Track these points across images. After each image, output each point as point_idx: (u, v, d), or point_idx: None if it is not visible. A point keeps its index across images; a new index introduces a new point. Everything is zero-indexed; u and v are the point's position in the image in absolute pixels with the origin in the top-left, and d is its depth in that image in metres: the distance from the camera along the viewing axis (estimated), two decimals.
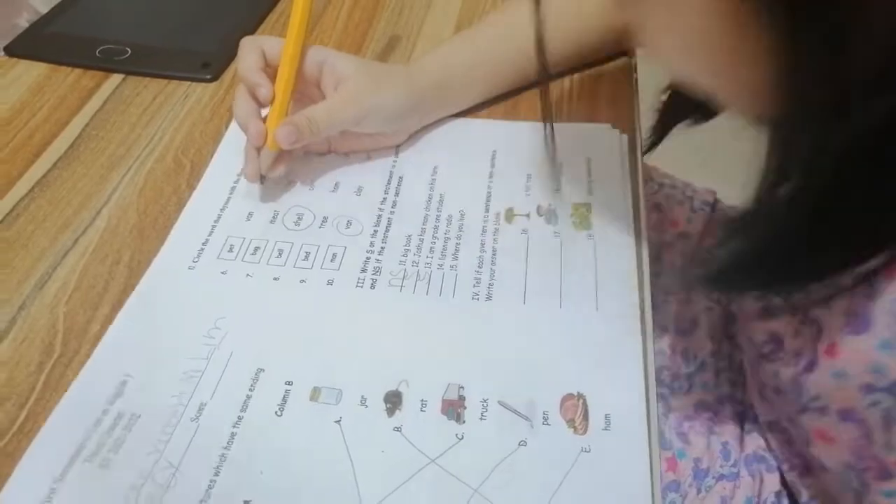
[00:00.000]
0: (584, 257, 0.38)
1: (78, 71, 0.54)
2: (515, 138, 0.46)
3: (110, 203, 0.43)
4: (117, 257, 0.40)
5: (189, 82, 0.52)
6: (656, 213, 0.55)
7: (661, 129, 0.39)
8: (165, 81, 0.53)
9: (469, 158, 0.45)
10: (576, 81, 0.51)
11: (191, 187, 0.44)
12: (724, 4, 0.20)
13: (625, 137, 0.46)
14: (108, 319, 0.36)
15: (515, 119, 0.48)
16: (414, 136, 0.47)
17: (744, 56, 0.21)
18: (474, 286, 0.38)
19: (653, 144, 0.41)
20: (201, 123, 0.49)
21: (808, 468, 0.38)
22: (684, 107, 0.36)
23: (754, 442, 0.43)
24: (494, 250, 0.39)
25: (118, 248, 0.41)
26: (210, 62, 0.54)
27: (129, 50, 0.54)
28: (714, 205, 0.56)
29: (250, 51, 0.42)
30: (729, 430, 0.43)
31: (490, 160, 0.45)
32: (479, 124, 0.47)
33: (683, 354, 0.47)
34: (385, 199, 0.43)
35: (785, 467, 0.40)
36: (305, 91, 0.43)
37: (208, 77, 0.53)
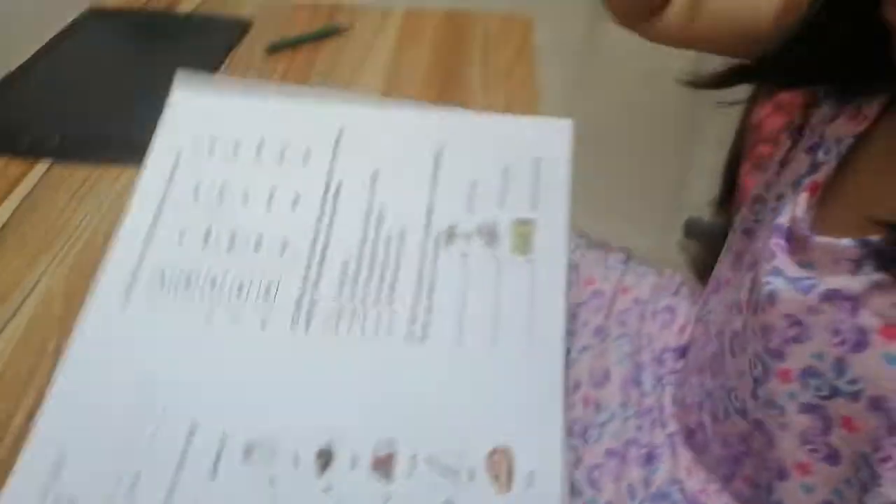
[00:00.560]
0: (519, 289, 0.38)
1: (4, 160, 0.54)
2: (463, 134, 0.45)
3: (36, 291, 0.43)
4: (42, 346, 0.40)
5: (120, 166, 0.53)
6: (574, 272, 0.56)
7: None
8: (94, 167, 0.53)
9: (413, 159, 0.44)
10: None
11: None
12: None
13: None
14: (33, 410, 0.36)
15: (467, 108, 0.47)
16: (355, 129, 0.45)
17: None
18: (410, 324, 0.37)
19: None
20: None
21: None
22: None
23: (661, 478, 0.44)
24: (432, 281, 0.39)
25: (43, 337, 0.40)
26: (139, 146, 0.54)
27: (57, 137, 0.55)
28: (627, 261, 0.58)
29: None
30: (636, 473, 0.44)
31: (434, 161, 0.44)
32: (426, 116, 0.46)
33: (596, 406, 0.48)
34: (322, 215, 0.42)
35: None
36: None
37: (137, 159, 0.53)
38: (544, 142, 0.44)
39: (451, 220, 0.41)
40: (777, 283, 0.36)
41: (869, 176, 0.35)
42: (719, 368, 0.43)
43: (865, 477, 0.33)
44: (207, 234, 0.41)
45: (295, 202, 0.42)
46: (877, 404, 0.31)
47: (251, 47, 0.69)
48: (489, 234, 0.40)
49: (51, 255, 0.46)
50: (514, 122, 0.45)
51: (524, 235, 0.40)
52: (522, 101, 0.61)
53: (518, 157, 0.43)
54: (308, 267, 0.40)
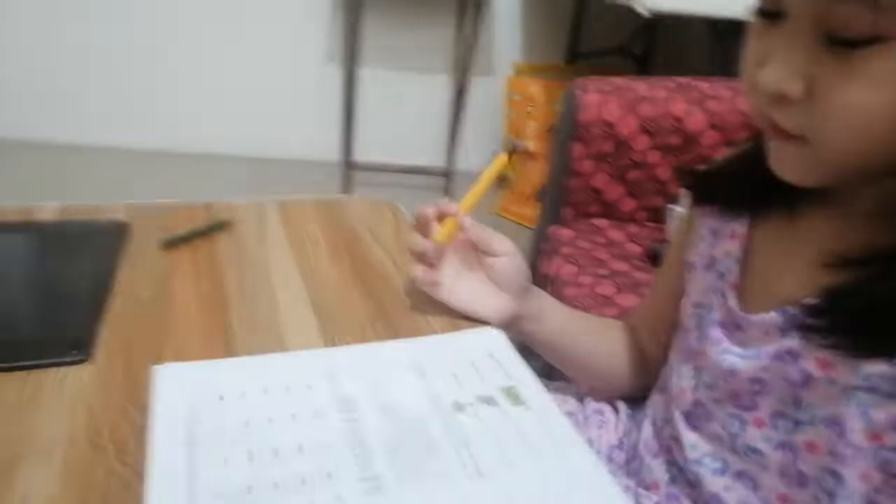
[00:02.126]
0: (534, 427, 0.46)
1: None
2: (429, 348, 0.54)
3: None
4: None
5: (60, 368, 0.49)
6: None
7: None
8: (28, 373, 0.49)
9: (399, 372, 0.51)
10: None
11: (130, 465, 0.41)
12: None
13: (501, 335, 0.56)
14: None
15: (411, 336, 0.56)
16: (342, 363, 0.51)
17: None
18: (463, 468, 0.42)
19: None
20: (99, 404, 0.46)
21: None
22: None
23: None
24: (465, 439, 0.44)
25: None
26: (79, 342, 0.51)
27: None
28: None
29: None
30: None
31: (416, 368, 0.51)
32: (397, 345, 0.55)
33: None
34: (345, 418, 0.45)
35: None
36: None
37: (81, 358, 0.50)
38: (489, 342, 0.56)
39: (453, 397, 0.48)
40: (732, 360, 0.48)
41: (762, 269, 0.50)
42: (679, 446, 0.52)
43: (830, 486, 0.44)
44: (250, 455, 0.42)
45: (316, 416, 0.46)
46: (829, 420, 0.43)
47: (141, 246, 0.69)
48: (487, 400, 0.48)
49: (27, 467, 0.41)
50: (463, 335, 0.57)
51: (514, 395, 0.49)
52: None
53: (477, 354, 0.54)
54: (355, 453, 0.43)
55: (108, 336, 0.54)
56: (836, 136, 0.39)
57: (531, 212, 2.36)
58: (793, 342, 0.45)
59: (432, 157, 2.65)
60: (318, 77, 2.62)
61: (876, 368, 0.40)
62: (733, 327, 0.49)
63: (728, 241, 0.52)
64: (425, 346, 0.54)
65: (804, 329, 0.43)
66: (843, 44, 0.37)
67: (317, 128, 2.69)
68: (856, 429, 0.42)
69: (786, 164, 0.43)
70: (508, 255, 0.57)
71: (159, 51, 2.51)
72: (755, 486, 0.48)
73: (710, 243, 0.54)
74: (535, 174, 2.37)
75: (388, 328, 0.58)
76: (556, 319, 0.61)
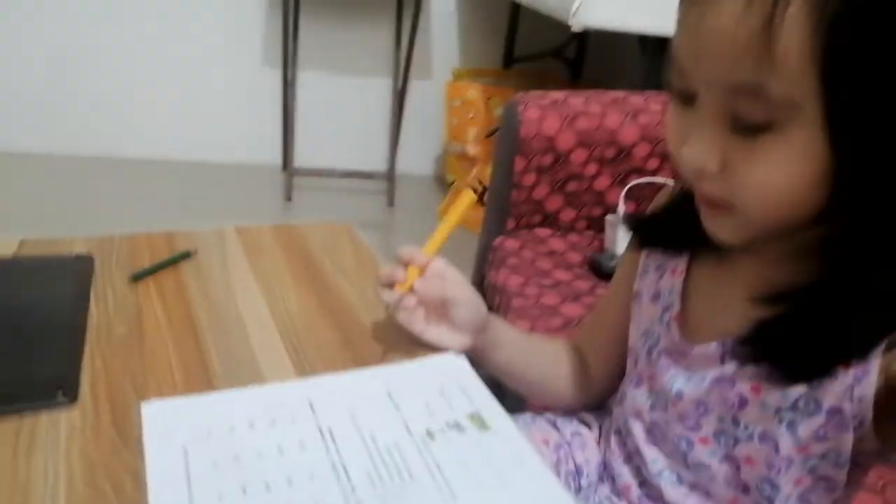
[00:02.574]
0: (501, 449, 0.51)
1: None
2: (401, 376, 0.58)
3: None
4: None
5: (48, 411, 0.51)
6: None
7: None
8: (21, 418, 0.51)
9: (374, 401, 0.55)
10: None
11: None
12: (817, 161, 0.40)
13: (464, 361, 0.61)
14: None
15: (376, 365, 0.60)
16: (320, 394, 0.55)
17: (814, 190, 0.41)
18: (438, 492, 0.46)
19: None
20: (91, 446, 0.49)
21: None
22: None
23: None
24: (438, 464, 0.49)
25: None
26: (62, 384, 0.53)
27: None
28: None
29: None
30: None
31: (389, 397, 0.55)
32: (369, 373, 0.59)
33: None
34: (328, 450, 0.49)
35: None
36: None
37: (67, 401, 0.52)
38: (455, 368, 0.60)
39: (425, 424, 0.53)
40: (679, 384, 0.54)
41: (701, 303, 0.56)
42: (641, 460, 0.59)
43: (768, 492, 0.51)
44: (244, 489, 0.46)
45: (302, 448, 0.50)
46: (763, 436, 0.50)
47: (108, 280, 0.70)
48: (456, 426, 0.53)
49: None
50: (430, 361, 0.61)
51: (479, 420, 0.54)
52: None
53: (444, 381, 0.58)
54: (340, 482, 0.47)
55: (90, 375, 0.56)
56: (753, 205, 0.44)
57: (472, 215, 2.43)
58: (730, 369, 0.51)
59: (374, 161, 2.68)
60: (255, 81, 2.60)
61: (798, 391, 0.47)
62: (678, 355, 0.56)
63: (671, 277, 0.58)
64: (396, 375, 0.59)
65: (738, 358, 0.50)
66: (746, 129, 0.42)
67: (256, 132, 2.68)
68: (786, 444, 0.49)
69: (716, 227, 0.48)
70: (464, 303, 0.61)
71: (93, 56, 2.45)
72: (708, 494, 0.55)
73: (655, 277, 0.60)
74: (476, 178, 2.43)
75: (356, 356, 0.62)
76: (511, 347, 0.66)
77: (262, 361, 0.60)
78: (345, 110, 2.70)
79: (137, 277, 0.71)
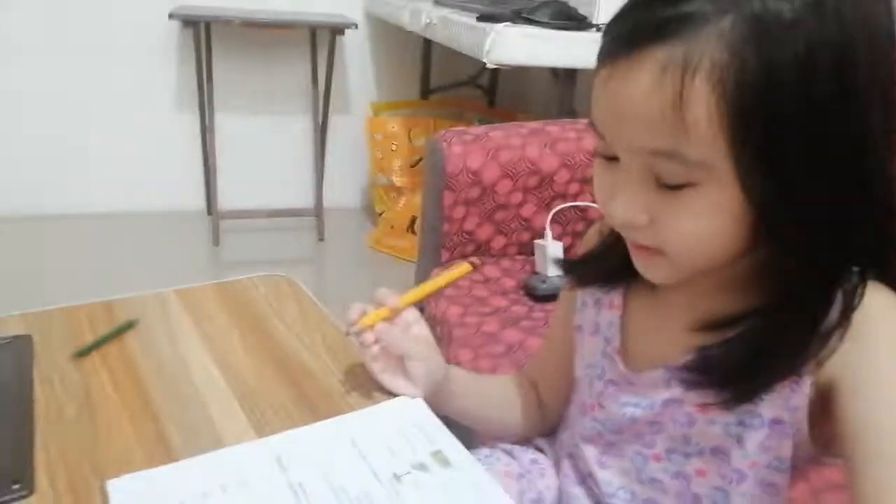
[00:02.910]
0: (463, 485, 0.53)
1: None
2: (362, 423, 0.60)
3: None
4: None
5: None
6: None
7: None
8: None
9: (338, 450, 0.56)
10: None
11: None
12: (736, 210, 0.44)
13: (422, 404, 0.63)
14: None
15: (332, 415, 0.62)
16: (287, 448, 0.57)
17: (737, 234, 0.46)
18: None
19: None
20: None
21: None
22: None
23: None
24: None
25: None
26: (18, 477, 0.53)
27: None
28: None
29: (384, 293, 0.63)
30: None
31: (353, 444, 0.57)
32: (332, 423, 0.60)
33: None
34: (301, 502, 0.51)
35: None
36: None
37: (24, 493, 0.52)
38: (413, 411, 0.63)
39: (391, 469, 0.55)
40: (630, 410, 0.58)
41: (640, 334, 0.60)
42: (593, 483, 0.62)
43: (721, 500, 0.55)
44: None
45: None
46: (714, 451, 0.55)
47: (50, 359, 0.69)
48: (420, 467, 0.56)
49: None
50: (389, 406, 0.63)
51: (442, 458, 0.57)
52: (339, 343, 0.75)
53: (405, 423, 0.61)
54: None
55: (45, 462, 0.56)
56: (682, 252, 0.49)
57: (403, 244, 2.46)
58: (678, 392, 0.55)
59: (301, 198, 2.68)
60: (172, 126, 2.57)
61: (744, 407, 0.51)
62: (625, 383, 0.60)
63: (609, 311, 0.62)
64: (357, 422, 0.61)
65: (683, 383, 0.54)
66: (669, 186, 0.46)
67: (177, 178, 2.64)
68: (736, 457, 0.53)
69: (649, 270, 0.52)
70: (421, 360, 0.63)
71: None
72: None
73: (594, 311, 0.64)
74: (405, 208, 2.47)
75: (313, 408, 0.64)
76: (466, 398, 0.69)
77: (221, 426, 0.61)
78: (267, 149, 2.69)
79: (81, 353, 0.70)
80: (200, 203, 2.64)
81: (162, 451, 0.58)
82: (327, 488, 0.53)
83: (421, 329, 0.65)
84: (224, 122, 2.52)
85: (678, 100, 0.42)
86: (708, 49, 0.41)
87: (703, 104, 0.42)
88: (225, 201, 2.50)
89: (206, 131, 2.48)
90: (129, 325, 0.75)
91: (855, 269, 0.48)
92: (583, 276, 0.65)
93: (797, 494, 0.82)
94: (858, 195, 0.46)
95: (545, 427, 0.73)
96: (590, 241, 0.66)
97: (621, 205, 0.49)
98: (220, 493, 0.52)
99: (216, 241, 2.44)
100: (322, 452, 0.57)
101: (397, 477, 0.54)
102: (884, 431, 0.45)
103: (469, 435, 0.76)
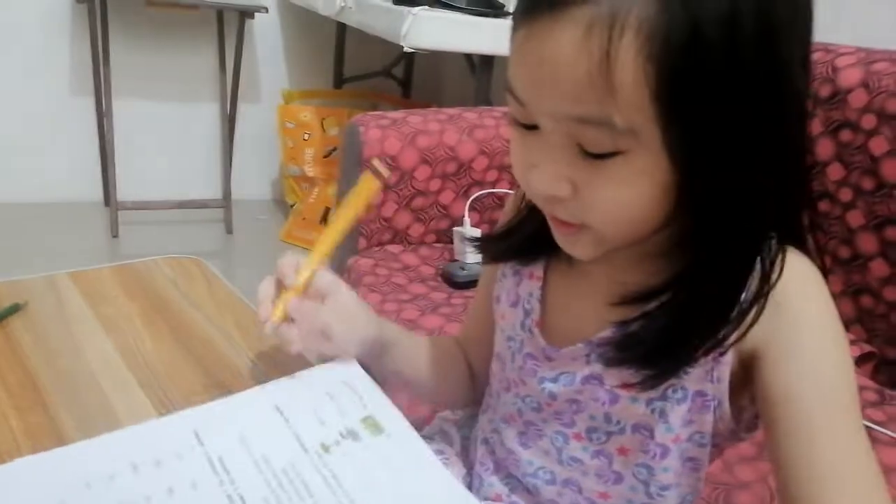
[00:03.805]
0: (396, 456, 0.50)
1: None
2: (287, 386, 0.56)
3: None
4: None
5: None
6: None
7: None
8: None
9: (261, 417, 0.52)
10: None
11: None
12: (662, 178, 0.43)
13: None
14: None
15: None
16: (205, 421, 0.52)
17: (661, 202, 0.44)
18: None
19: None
20: None
21: None
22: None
23: None
24: (338, 479, 0.47)
25: None
26: None
27: None
28: None
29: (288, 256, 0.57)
30: None
31: (278, 410, 0.53)
32: (255, 391, 0.56)
33: None
34: (222, 481, 0.47)
35: None
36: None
37: None
38: (343, 371, 0.58)
39: (319, 438, 0.51)
40: (549, 386, 0.56)
41: (560, 307, 0.58)
42: (515, 462, 0.61)
43: (644, 476, 0.54)
44: None
45: (193, 485, 0.47)
46: (636, 428, 0.53)
47: None
48: (350, 435, 0.52)
49: None
50: (317, 369, 0.58)
51: (373, 424, 0.53)
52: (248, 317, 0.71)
53: (333, 386, 0.56)
54: None
55: None
56: (605, 223, 0.46)
57: (317, 236, 2.39)
58: (598, 368, 0.53)
59: (208, 189, 2.56)
60: (65, 112, 2.40)
61: (666, 382, 0.50)
62: (544, 358, 0.57)
63: (528, 282, 0.60)
64: (282, 388, 0.56)
65: (602, 359, 0.52)
66: (593, 155, 0.43)
67: (71, 167, 2.47)
68: (659, 431, 0.52)
69: (571, 246, 0.50)
70: (345, 327, 0.57)
71: None
72: (579, 489, 0.57)
73: (514, 282, 0.61)
74: (318, 200, 2.41)
75: (223, 394, 0.59)
76: (400, 344, 0.63)
77: (123, 415, 0.56)
78: (171, 137, 2.56)
79: None
80: (97, 193, 2.48)
81: (54, 444, 0.52)
82: (249, 462, 0.48)
83: (338, 295, 0.57)
84: (124, 108, 2.37)
85: (605, 60, 0.39)
86: (635, 4, 0.39)
87: (631, 65, 0.40)
88: (125, 192, 2.35)
89: (103, 117, 2.33)
90: (14, 309, 0.68)
91: (773, 238, 0.48)
92: (499, 252, 0.61)
93: (710, 469, 0.85)
94: (779, 162, 0.46)
95: (476, 396, 0.70)
96: (508, 214, 0.64)
97: (542, 176, 0.46)
98: (129, 472, 0.47)
99: (114, 232, 2.30)
100: (243, 423, 0.52)
101: (325, 447, 0.50)
102: (805, 403, 0.45)
103: None
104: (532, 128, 0.46)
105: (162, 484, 0.46)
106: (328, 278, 0.58)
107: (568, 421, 0.57)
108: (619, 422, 0.54)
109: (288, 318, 0.56)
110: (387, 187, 0.56)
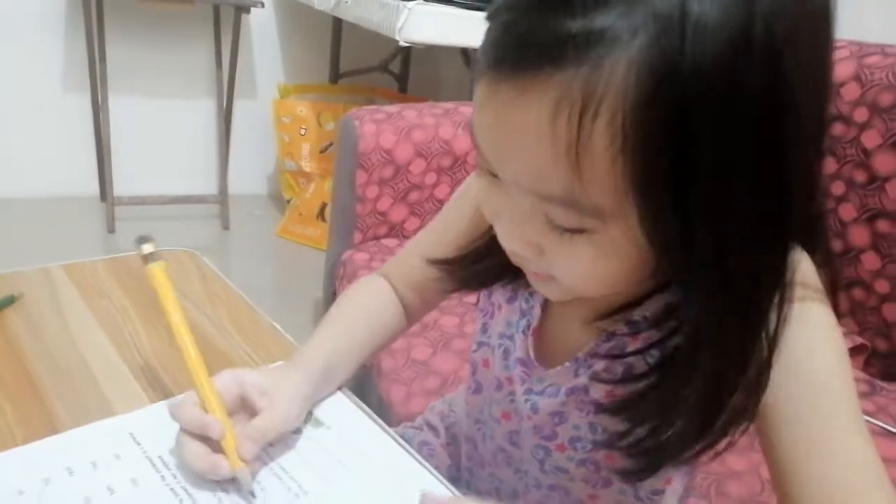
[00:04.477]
0: (337, 443, 0.52)
1: None
2: None
3: None
4: None
5: None
6: None
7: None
8: None
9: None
10: None
11: None
12: (635, 253, 0.38)
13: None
14: None
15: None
16: (139, 424, 0.53)
17: (638, 269, 0.40)
18: (296, 498, 0.47)
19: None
20: None
21: None
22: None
23: None
24: (281, 465, 0.49)
25: None
26: None
27: None
28: None
29: (185, 408, 0.48)
30: None
31: None
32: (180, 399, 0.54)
33: None
34: (163, 479, 0.47)
35: None
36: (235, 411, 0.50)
37: None
38: None
39: None
40: (534, 399, 0.54)
41: (551, 324, 0.55)
42: (505, 460, 0.60)
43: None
44: None
45: (135, 483, 0.47)
46: (622, 435, 0.51)
47: None
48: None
49: None
50: (263, 369, 0.58)
51: (313, 419, 0.54)
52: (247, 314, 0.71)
53: None
54: None
55: None
56: (575, 286, 0.43)
57: (313, 232, 2.40)
58: (583, 380, 0.51)
59: (204, 184, 2.56)
60: (61, 108, 2.39)
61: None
62: (533, 368, 0.55)
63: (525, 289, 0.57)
64: None
65: (590, 373, 0.51)
66: (561, 229, 0.39)
67: (68, 162, 2.46)
68: None
69: (542, 290, 0.47)
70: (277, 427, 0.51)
71: None
72: (567, 493, 0.56)
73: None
74: (314, 195, 2.41)
75: None
76: (345, 367, 0.60)
77: (117, 406, 0.56)
78: (168, 132, 2.55)
79: None
80: (94, 189, 2.48)
81: (48, 434, 0.52)
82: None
83: (258, 400, 0.51)
84: (120, 103, 2.36)
85: (574, 148, 0.35)
86: (613, 83, 0.33)
87: (602, 155, 0.35)
88: (121, 187, 2.35)
89: (100, 112, 2.33)
90: (9, 301, 0.68)
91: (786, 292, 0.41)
92: (474, 279, 0.56)
93: (700, 482, 0.85)
94: (783, 238, 0.40)
95: (413, 321, 0.68)
96: (469, 192, 0.59)
97: (507, 235, 0.43)
98: (65, 476, 0.47)
99: (111, 228, 2.30)
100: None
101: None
102: (806, 425, 0.43)
103: None
104: (498, 176, 0.41)
105: (100, 484, 0.46)
106: (233, 391, 0.51)
107: (548, 434, 0.55)
108: (605, 430, 0.52)
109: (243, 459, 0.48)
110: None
